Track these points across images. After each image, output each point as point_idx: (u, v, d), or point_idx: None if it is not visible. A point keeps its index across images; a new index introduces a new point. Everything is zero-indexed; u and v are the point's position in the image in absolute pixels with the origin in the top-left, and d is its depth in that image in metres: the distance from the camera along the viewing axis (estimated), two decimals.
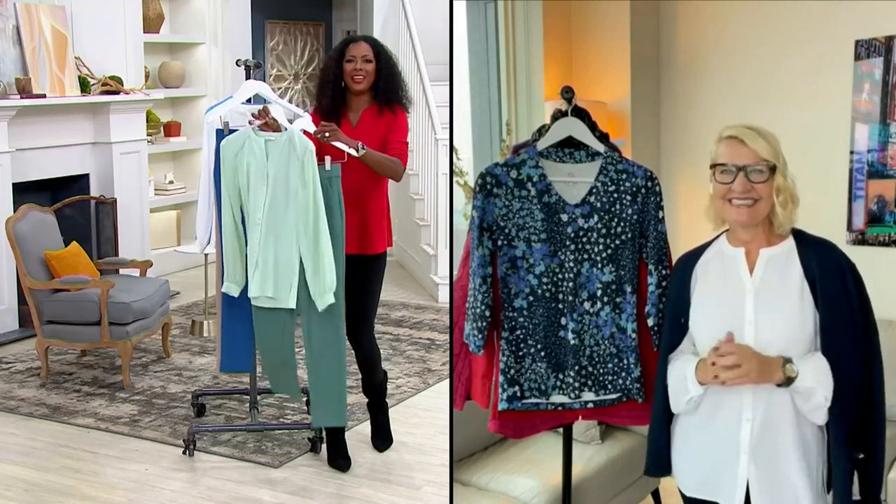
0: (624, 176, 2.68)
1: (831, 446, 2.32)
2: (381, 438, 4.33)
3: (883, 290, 4.32)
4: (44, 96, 6.24)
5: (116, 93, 6.78)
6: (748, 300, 2.36)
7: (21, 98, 6.08)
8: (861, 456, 2.31)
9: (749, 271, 2.39)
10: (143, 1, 7.38)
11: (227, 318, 4.12)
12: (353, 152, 3.82)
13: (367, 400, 4.32)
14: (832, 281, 2.32)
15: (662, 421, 2.55)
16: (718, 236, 2.50)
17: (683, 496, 2.56)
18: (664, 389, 2.51)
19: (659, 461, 2.57)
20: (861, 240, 4.40)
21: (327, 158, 3.80)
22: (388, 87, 4.02)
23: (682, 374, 2.43)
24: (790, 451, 2.34)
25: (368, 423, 4.54)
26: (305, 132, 3.85)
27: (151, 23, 7.73)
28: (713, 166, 2.38)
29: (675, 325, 2.52)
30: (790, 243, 2.40)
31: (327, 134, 3.79)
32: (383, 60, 4.02)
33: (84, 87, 6.63)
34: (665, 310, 2.61)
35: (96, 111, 6.74)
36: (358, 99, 4.05)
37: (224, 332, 4.14)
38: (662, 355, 2.55)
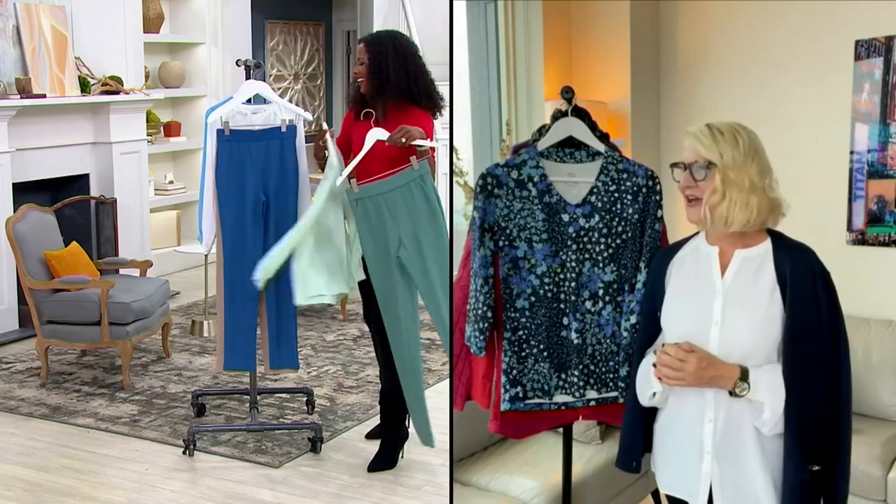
0: (625, 175, 2.68)
1: (784, 455, 2.28)
2: (382, 459, 4.13)
3: (883, 290, 4.35)
4: (44, 96, 6.24)
5: (116, 93, 6.78)
6: (717, 301, 2.33)
7: (21, 98, 6.08)
8: (816, 468, 2.25)
9: (721, 272, 2.36)
10: (143, 1, 7.39)
11: (229, 318, 4.12)
12: (435, 144, 3.83)
13: (367, 400, 4.30)
14: (801, 284, 2.27)
15: (633, 414, 2.52)
16: (698, 232, 2.47)
17: (665, 494, 2.56)
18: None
19: (627, 455, 2.55)
20: (861, 240, 4.40)
21: (413, 158, 3.79)
22: (387, 87, 3.91)
23: (647, 369, 2.42)
24: (752, 453, 2.31)
25: (368, 423, 4.55)
26: (380, 141, 3.84)
27: (151, 23, 7.73)
28: (672, 165, 2.38)
29: (650, 320, 2.50)
30: (767, 246, 2.35)
31: (404, 139, 3.77)
32: (379, 61, 3.90)
33: (84, 87, 6.64)
34: (643, 304, 2.60)
35: (96, 111, 6.74)
36: (372, 100, 3.97)
37: (227, 330, 4.14)
38: (638, 350, 2.54)
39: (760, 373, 2.27)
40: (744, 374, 2.26)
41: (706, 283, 2.37)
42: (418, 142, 3.78)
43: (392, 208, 3.78)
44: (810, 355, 2.26)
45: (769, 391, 2.25)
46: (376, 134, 3.86)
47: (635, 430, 2.54)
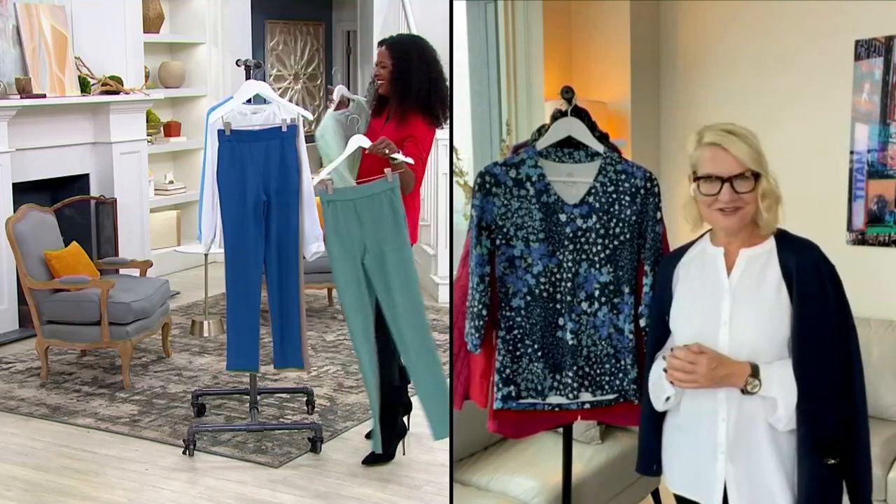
0: (623, 176, 2.67)
1: (797, 450, 2.29)
2: (381, 453, 4.13)
3: (883, 290, 4.35)
4: (44, 96, 6.24)
5: (116, 93, 6.78)
6: (725, 301, 2.34)
7: (21, 98, 6.08)
8: (832, 462, 2.26)
9: (727, 272, 2.37)
10: (143, 1, 7.39)
11: (232, 318, 4.13)
12: (410, 160, 3.85)
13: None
14: (808, 280, 2.28)
15: (649, 419, 2.54)
16: (703, 235, 2.48)
17: (674, 494, 2.56)
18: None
19: (646, 459, 2.57)
20: (861, 240, 4.40)
21: (387, 171, 3.81)
22: (408, 94, 3.97)
23: (658, 373, 2.42)
24: (766, 451, 2.32)
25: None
26: (364, 149, 3.89)
27: (151, 23, 7.73)
28: (696, 178, 2.33)
29: (659, 324, 2.52)
30: (771, 244, 2.36)
31: (387, 150, 3.81)
32: (403, 66, 3.97)
33: (84, 87, 6.64)
34: (651, 309, 2.60)
35: (96, 111, 6.74)
36: (390, 103, 4.03)
37: (230, 331, 4.15)
38: (649, 354, 2.55)
39: (771, 369, 2.28)
40: (754, 371, 2.27)
41: (713, 283, 2.38)
42: (395, 155, 3.82)
43: (361, 214, 3.83)
44: (820, 350, 2.27)
45: (781, 387, 2.26)
46: (358, 141, 3.91)
47: (652, 435, 2.55)
